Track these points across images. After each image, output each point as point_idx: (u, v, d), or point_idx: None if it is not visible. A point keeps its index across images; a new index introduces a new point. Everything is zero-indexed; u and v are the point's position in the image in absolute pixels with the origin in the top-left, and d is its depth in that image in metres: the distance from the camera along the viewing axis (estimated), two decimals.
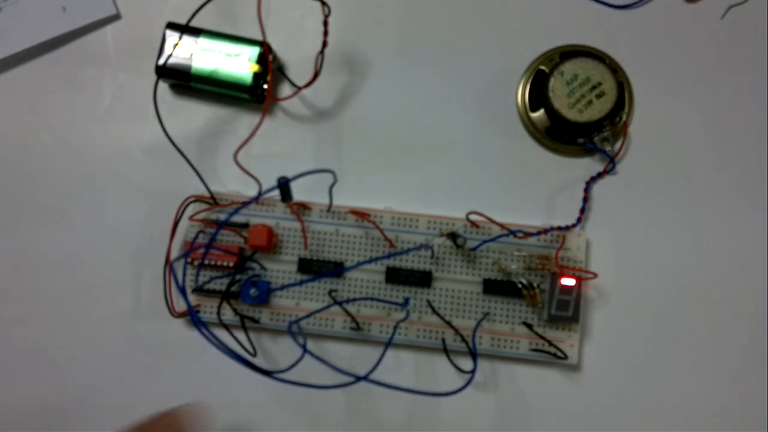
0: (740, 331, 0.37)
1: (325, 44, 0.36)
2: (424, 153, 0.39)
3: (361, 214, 0.37)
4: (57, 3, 0.41)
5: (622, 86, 0.38)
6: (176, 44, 0.37)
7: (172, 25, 0.38)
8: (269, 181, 0.31)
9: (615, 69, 0.38)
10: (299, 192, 0.34)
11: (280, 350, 0.37)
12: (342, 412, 0.36)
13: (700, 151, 0.38)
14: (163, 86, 0.39)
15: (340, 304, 0.36)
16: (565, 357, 0.36)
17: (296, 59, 0.39)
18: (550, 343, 0.35)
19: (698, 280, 0.37)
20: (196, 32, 0.38)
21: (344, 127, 0.39)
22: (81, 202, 0.39)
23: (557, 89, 0.37)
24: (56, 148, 0.39)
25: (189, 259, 0.36)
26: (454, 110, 0.39)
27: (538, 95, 0.38)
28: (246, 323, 0.36)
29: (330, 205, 0.36)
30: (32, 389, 0.38)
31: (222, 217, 0.37)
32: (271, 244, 0.36)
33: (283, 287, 0.36)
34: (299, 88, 0.38)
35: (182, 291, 0.33)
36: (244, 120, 0.39)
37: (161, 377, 0.37)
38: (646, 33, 0.39)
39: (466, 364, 0.35)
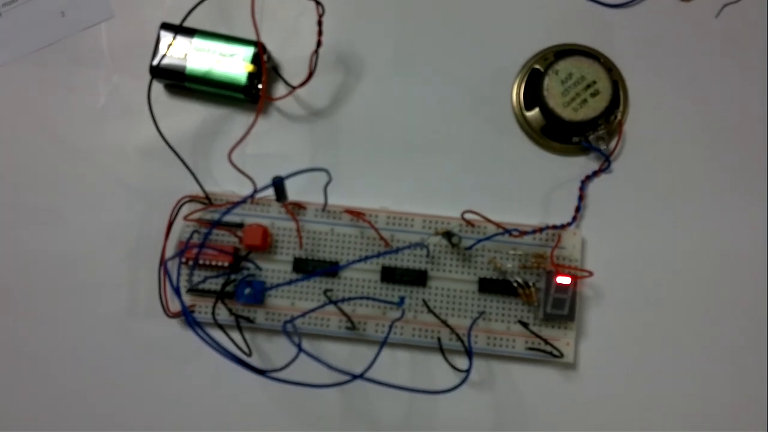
0: (738, 329, 0.37)
1: (319, 44, 0.36)
2: (419, 152, 0.39)
3: (356, 214, 0.36)
4: (56, 8, 0.41)
5: (617, 85, 0.38)
6: (170, 44, 0.37)
7: (166, 26, 0.38)
8: (264, 180, 0.31)
9: (609, 68, 0.38)
10: (294, 191, 0.34)
11: (275, 350, 0.37)
12: (338, 411, 0.36)
13: (695, 149, 0.38)
14: (158, 86, 0.39)
15: (335, 303, 0.36)
16: (561, 355, 0.36)
17: (291, 59, 0.39)
18: (546, 342, 0.35)
19: (694, 278, 0.37)
20: (190, 32, 0.37)
21: (339, 126, 0.39)
22: (75, 202, 0.39)
23: (552, 88, 0.37)
24: (51, 148, 0.39)
25: (183, 259, 0.36)
26: (449, 109, 0.39)
27: (533, 94, 0.38)
28: (241, 323, 0.36)
29: (325, 205, 0.36)
30: (26, 389, 0.37)
31: (217, 217, 0.37)
32: (266, 243, 0.36)
33: (277, 286, 0.36)
34: (294, 88, 0.38)
35: (177, 291, 0.33)
36: (239, 120, 0.39)
37: (156, 377, 0.37)
38: (641, 32, 0.39)
39: (462, 363, 0.35)
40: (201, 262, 0.36)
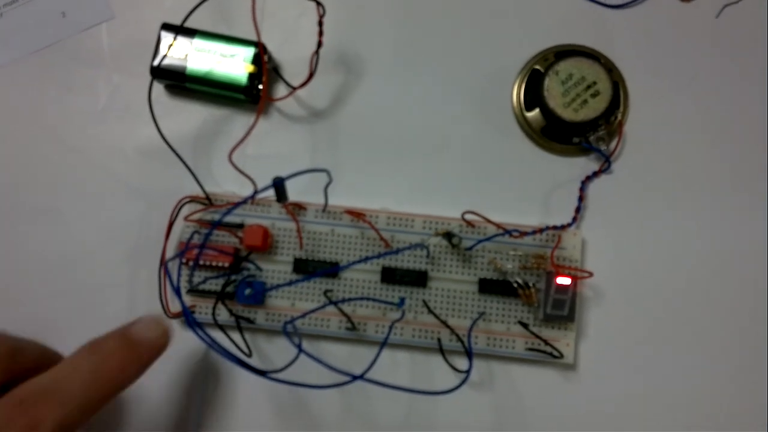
0: (738, 329, 0.36)
1: (320, 44, 0.36)
2: (420, 153, 0.39)
3: (356, 214, 0.36)
4: (56, 8, 0.41)
5: (617, 85, 0.38)
6: (171, 45, 0.37)
7: (166, 26, 0.38)
8: (264, 181, 0.31)
9: (610, 68, 0.38)
10: (294, 192, 0.34)
11: (275, 351, 0.37)
12: (338, 411, 0.36)
13: (696, 149, 0.38)
14: (158, 87, 0.39)
15: (335, 304, 0.36)
16: (561, 356, 0.35)
17: (291, 59, 0.39)
18: (546, 343, 0.35)
19: (694, 278, 0.37)
20: (190, 33, 0.37)
21: (339, 127, 0.39)
22: (76, 202, 0.39)
23: (552, 89, 0.37)
24: (51, 148, 0.39)
25: (184, 260, 0.36)
26: (449, 109, 0.39)
27: (534, 95, 0.38)
28: (241, 324, 0.36)
29: (325, 205, 0.36)
30: None
31: (217, 217, 0.37)
32: (266, 244, 0.36)
33: (278, 287, 0.36)
34: (294, 89, 0.38)
35: (177, 292, 0.33)
36: (239, 120, 0.39)
37: (156, 378, 0.37)
38: (641, 32, 0.39)
39: (462, 364, 0.35)
40: (201, 262, 0.36)
